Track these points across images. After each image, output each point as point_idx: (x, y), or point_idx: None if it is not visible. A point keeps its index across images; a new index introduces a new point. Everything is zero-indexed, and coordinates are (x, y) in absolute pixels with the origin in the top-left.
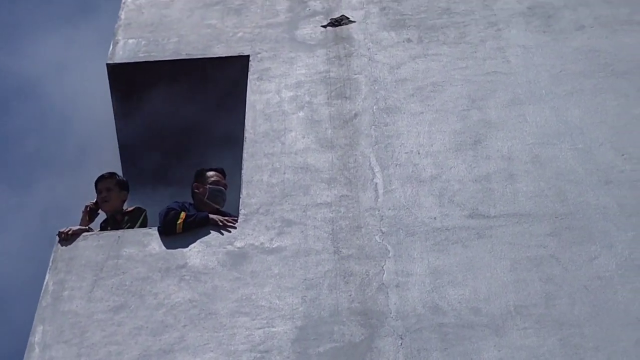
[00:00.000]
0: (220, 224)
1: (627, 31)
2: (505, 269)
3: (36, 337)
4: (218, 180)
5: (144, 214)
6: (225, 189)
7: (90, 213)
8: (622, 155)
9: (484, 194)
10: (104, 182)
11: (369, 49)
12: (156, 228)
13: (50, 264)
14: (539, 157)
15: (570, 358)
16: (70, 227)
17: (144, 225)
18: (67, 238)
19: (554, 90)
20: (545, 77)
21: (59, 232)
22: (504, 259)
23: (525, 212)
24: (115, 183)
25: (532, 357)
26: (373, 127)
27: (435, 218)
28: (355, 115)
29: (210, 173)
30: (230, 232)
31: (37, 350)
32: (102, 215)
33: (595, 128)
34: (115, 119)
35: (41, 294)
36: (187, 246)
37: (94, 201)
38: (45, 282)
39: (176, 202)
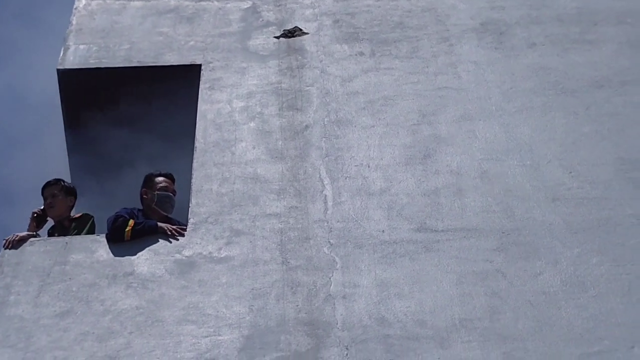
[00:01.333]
0: (169, 232)
1: (578, 50)
2: (452, 283)
3: None
4: (166, 187)
5: (91, 220)
6: (174, 195)
7: (37, 219)
8: (570, 172)
9: (432, 208)
10: (49, 188)
11: (321, 61)
12: (104, 235)
13: None
14: (487, 173)
15: None
16: (17, 234)
17: (91, 231)
18: (13, 245)
19: (504, 106)
20: (495, 94)
21: (5, 239)
22: (450, 273)
23: (473, 227)
24: (61, 189)
25: None
26: (324, 139)
27: (383, 231)
28: (306, 127)
29: (159, 179)
30: (178, 240)
31: None
32: (50, 222)
33: (544, 145)
34: (64, 122)
35: None
36: (135, 254)
37: (41, 207)
38: None
39: (125, 208)
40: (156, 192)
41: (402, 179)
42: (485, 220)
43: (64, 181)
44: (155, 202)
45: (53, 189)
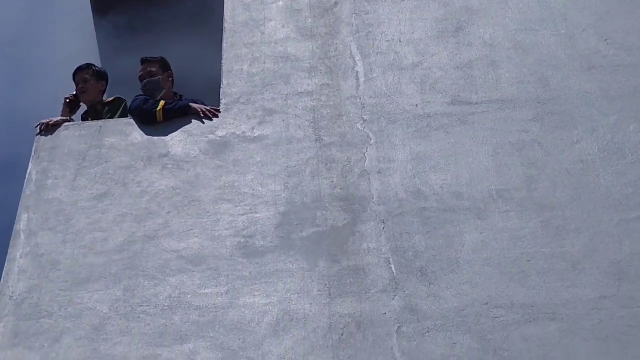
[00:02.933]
0: (202, 113)
1: None
2: (488, 154)
3: (21, 224)
4: (140, 75)
5: (124, 104)
6: (150, 77)
7: (70, 105)
8: (605, 40)
9: (466, 81)
10: (81, 73)
11: None
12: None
13: (32, 154)
14: (521, 44)
15: (552, 240)
16: (51, 119)
17: (124, 115)
18: (47, 129)
19: None
20: None
21: (39, 123)
22: (486, 145)
23: (508, 98)
24: (92, 73)
25: (514, 239)
26: (354, 15)
27: (417, 105)
28: (336, 3)
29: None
30: (212, 121)
31: (22, 237)
32: (83, 108)
33: (578, 14)
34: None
35: (25, 183)
36: (168, 135)
37: (73, 93)
38: (28, 172)
39: (141, 95)
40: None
41: (434, 53)
42: (520, 91)
43: (95, 66)
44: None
45: (84, 74)
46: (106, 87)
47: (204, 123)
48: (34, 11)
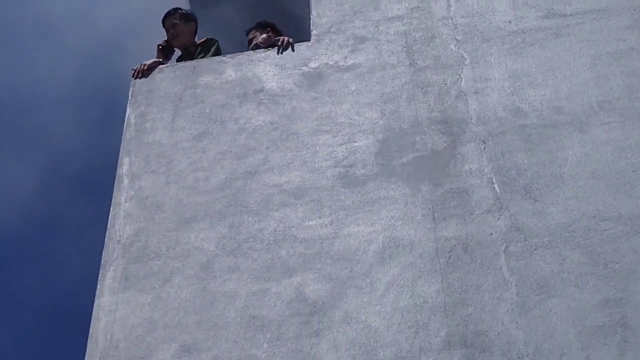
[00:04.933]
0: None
1: None
2: (586, 66)
3: (124, 168)
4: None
5: (216, 44)
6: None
7: (163, 51)
8: None
9: None
10: (169, 19)
11: None
12: (230, 55)
13: (129, 98)
14: None
15: None
16: (144, 63)
17: (217, 54)
18: (143, 73)
19: None
20: None
21: (133, 69)
22: (583, 56)
23: (602, 8)
24: (180, 17)
25: (619, 150)
26: None
27: (510, 21)
28: None
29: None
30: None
31: (125, 181)
32: (177, 53)
33: None
34: None
35: (124, 127)
36: (262, 71)
37: (165, 40)
38: (126, 116)
39: None
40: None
41: None
42: None
43: (180, 9)
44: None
45: (172, 19)
46: (195, 27)
47: (294, 54)
48: None
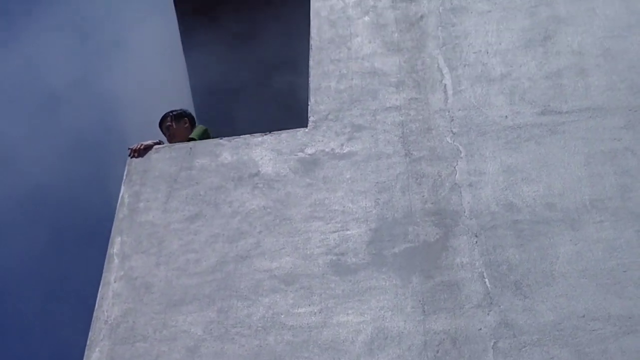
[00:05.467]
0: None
1: None
2: (580, 164)
3: (115, 248)
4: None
5: (205, 130)
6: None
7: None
8: None
9: (555, 90)
10: (163, 123)
11: None
12: (227, 138)
13: (124, 177)
14: (610, 50)
15: None
16: (142, 142)
17: (207, 136)
18: (139, 153)
19: None
20: None
21: (130, 148)
22: (577, 154)
23: (598, 106)
24: (171, 119)
25: (610, 250)
26: (440, 28)
27: (506, 116)
28: (422, 17)
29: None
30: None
31: (116, 261)
32: None
33: None
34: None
35: (117, 207)
36: (258, 155)
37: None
38: (120, 195)
39: None
40: None
41: (522, 63)
42: (610, 98)
43: (171, 112)
44: None
45: (166, 122)
46: (189, 121)
47: (293, 141)
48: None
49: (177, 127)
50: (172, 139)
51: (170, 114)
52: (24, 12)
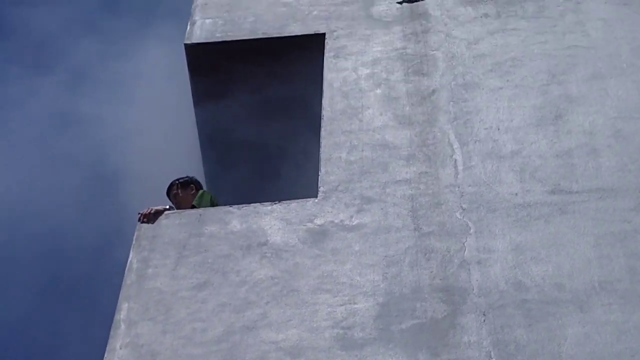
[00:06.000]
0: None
1: None
2: (589, 245)
3: (122, 314)
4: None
5: (210, 196)
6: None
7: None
8: None
9: (566, 169)
10: (170, 192)
11: (446, 24)
12: (237, 206)
13: (133, 242)
14: (621, 132)
15: None
16: (152, 207)
17: (212, 202)
18: (149, 218)
19: (636, 63)
20: (626, 50)
21: (140, 213)
22: (587, 235)
23: (609, 187)
24: (177, 187)
25: (618, 333)
26: (451, 103)
27: (516, 194)
28: (433, 91)
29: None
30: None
31: (122, 327)
32: None
33: None
34: (193, 96)
35: (125, 272)
36: (267, 224)
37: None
38: (129, 260)
39: None
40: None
41: (533, 141)
42: (621, 179)
43: (177, 179)
44: None
45: (172, 191)
46: (195, 188)
47: (302, 211)
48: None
49: (184, 194)
50: (179, 207)
51: (177, 181)
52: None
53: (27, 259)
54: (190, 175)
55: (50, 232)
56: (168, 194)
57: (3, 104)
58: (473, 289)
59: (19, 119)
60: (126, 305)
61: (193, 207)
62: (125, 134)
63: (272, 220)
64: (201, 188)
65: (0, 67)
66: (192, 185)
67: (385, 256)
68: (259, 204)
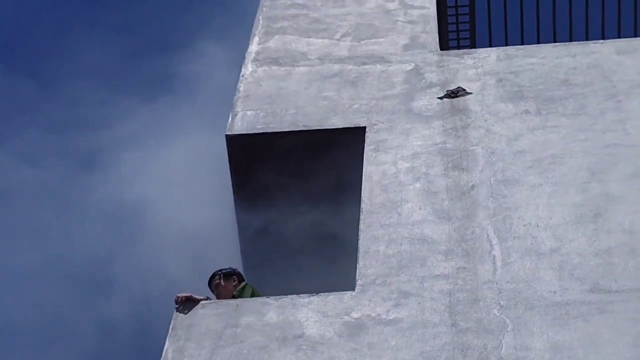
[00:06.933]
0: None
1: None
2: (628, 345)
3: None
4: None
5: (252, 289)
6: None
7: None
8: None
9: (605, 268)
10: (212, 282)
11: (486, 120)
12: (274, 297)
13: (169, 331)
14: None
15: None
16: (187, 293)
17: (254, 295)
18: (182, 303)
19: None
20: None
21: (177, 295)
22: (626, 335)
23: None
24: (220, 277)
25: None
26: (491, 198)
27: (555, 292)
28: (473, 186)
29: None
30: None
31: None
32: None
33: None
34: (233, 187)
35: None
36: (304, 316)
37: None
38: (164, 350)
39: None
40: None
41: (572, 238)
42: None
43: (220, 270)
44: None
45: (215, 281)
46: (237, 280)
47: (340, 304)
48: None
49: (226, 284)
50: (219, 297)
51: (220, 272)
52: None
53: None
54: (233, 267)
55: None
56: (210, 283)
57: None
58: None
59: None
60: None
61: (233, 297)
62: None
63: (309, 312)
64: (243, 280)
65: None
66: (234, 276)
67: (422, 352)
68: (296, 295)
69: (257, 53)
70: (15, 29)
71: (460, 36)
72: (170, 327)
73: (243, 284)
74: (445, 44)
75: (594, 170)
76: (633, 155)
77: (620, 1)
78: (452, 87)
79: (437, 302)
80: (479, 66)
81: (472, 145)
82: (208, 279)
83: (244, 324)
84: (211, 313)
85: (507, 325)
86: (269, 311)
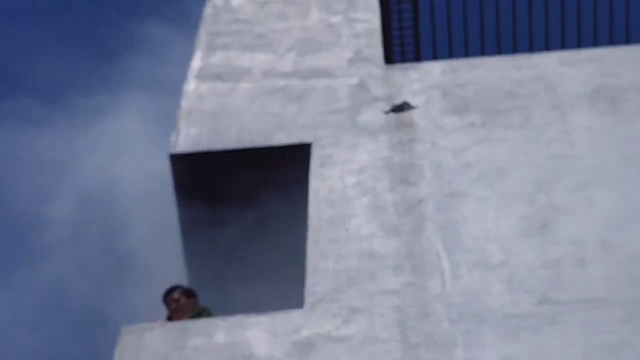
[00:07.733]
0: None
1: None
2: (578, 356)
3: None
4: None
5: (206, 311)
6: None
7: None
8: None
9: (553, 280)
10: (170, 295)
11: (431, 134)
12: (222, 318)
13: (115, 355)
14: (608, 242)
15: None
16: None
17: (208, 315)
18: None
19: (622, 173)
20: (611, 160)
21: None
22: (576, 346)
23: (597, 298)
24: (181, 293)
25: None
26: (438, 212)
27: (504, 305)
28: (420, 200)
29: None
30: None
31: None
32: None
33: None
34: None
35: None
36: (252, 336)
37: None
38: None
39: None
40: None
41: (520, 250)
42: (609, 290)
43: (181, 286)
44: None
45: (174, 295)
46: (196, 302)
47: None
48: None
49: (187, 302)
50: (175, 313)
51: (179, 287)
52: None
53: None
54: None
55: None
56: (165, 296)
57: None
58: None
59: None
60: None
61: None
62: None
63: (257, 332)
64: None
65: None
66: (195, 297)
67: None
68: (244, 315)
69: (200, 69)
70: None
71: (405, 50)
72: (116, 351)
73: (202, 307)
74: (390, 57)
75: (540, 182)
76: (578, 167)
77: (564, 12)
78: (398, 101)
79: (387, 317)
80: (424, 80)
81: (419, 159)
82: (164, 292)
83: (191, 345)
84: (158, 335)
85: (458, 339)
86: (217, 332)
